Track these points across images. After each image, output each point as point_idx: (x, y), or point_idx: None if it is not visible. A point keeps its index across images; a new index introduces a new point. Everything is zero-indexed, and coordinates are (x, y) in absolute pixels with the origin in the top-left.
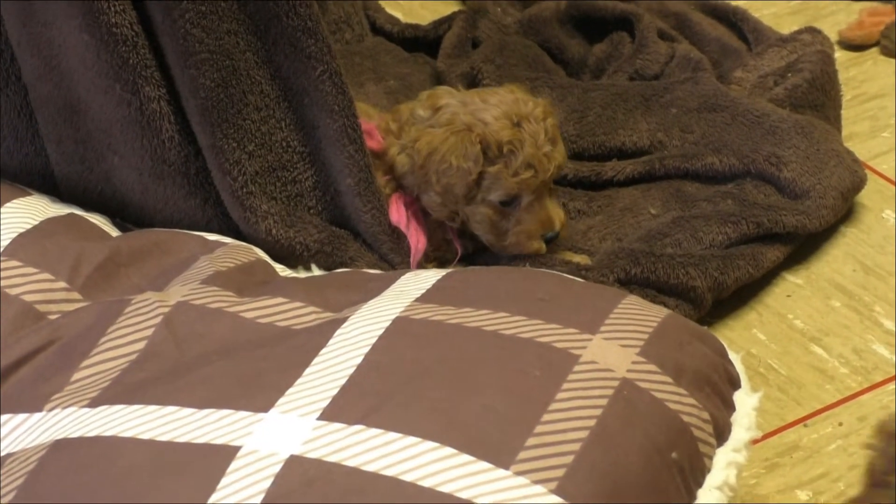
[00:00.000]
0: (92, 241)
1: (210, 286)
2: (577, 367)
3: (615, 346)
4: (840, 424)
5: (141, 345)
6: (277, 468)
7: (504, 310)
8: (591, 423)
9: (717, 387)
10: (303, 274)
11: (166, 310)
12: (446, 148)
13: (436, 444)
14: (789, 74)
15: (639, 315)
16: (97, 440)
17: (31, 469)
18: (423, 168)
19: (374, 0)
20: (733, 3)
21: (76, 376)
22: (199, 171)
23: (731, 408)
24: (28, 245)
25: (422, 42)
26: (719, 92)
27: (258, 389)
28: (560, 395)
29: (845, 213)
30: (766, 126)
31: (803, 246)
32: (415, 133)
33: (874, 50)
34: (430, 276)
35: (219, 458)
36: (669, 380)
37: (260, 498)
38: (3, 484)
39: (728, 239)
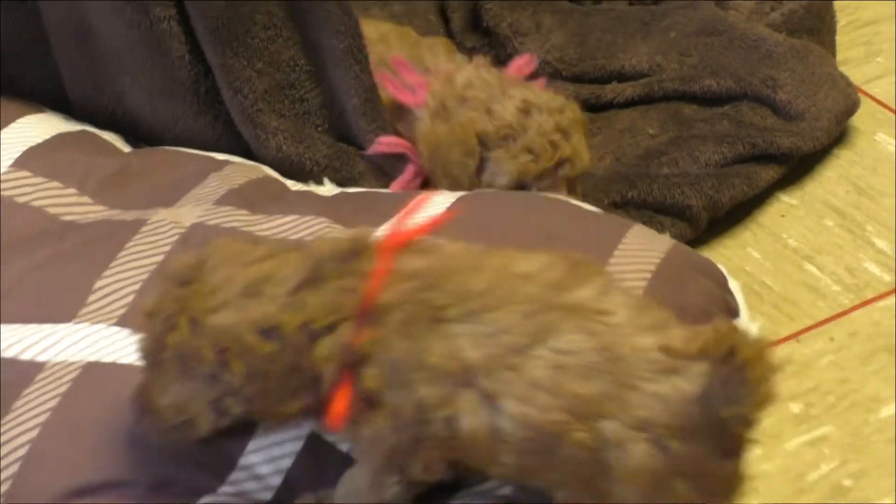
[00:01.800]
0: (103, 155)
1: (223, 206)
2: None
3: (618, 293)
4: (832, 340)
5: (159, 258)
6: None
7: (517, 235)
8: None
9: (716, 303)
10: (313, 187)
11: (182, 230)
12: (446, 143)
13: None
14: (785, 0)
15: (642, 252)
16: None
17: (63, 391)
18: (430, 161)
19: None
20: None
21: (98, 285)
22: (209, 91)
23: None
24: (38, 157)
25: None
26: (717, 17)
27: None
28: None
29: (839, 135)
30: (763, 50)
31: (797, 167)
32: (422, 128)
33: None
34: (443, 202)
35: None
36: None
37: None
38: (38, 402)
39: (724, 158)
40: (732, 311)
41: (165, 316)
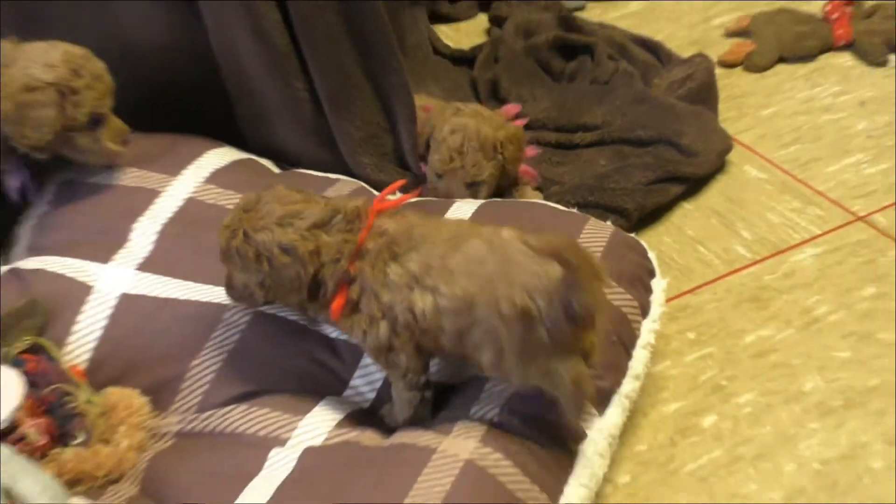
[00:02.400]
0: (260, 175)
1: None
2: None
3: None
4: (714, 294)
5: None
6: None
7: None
8: None
9: (642, 279)
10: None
11: None
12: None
13: None
14: (687, 82)
15: (595, 236)
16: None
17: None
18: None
19: (434, 32)
20: (654, 38)
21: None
22: (328, 135)
23: (649, 291)
24: (221, 175)
25: (464, 59)
26: (644, 92)
27: None
28: None
29: (720, 166)
30: (673, 113)
31: (694, 185)
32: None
33: (740, 68)
34: (470, 208)
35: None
36: (613, 283)
37: None
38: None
39: (648, 179)
40: (651, 273)
41: (232, 229)
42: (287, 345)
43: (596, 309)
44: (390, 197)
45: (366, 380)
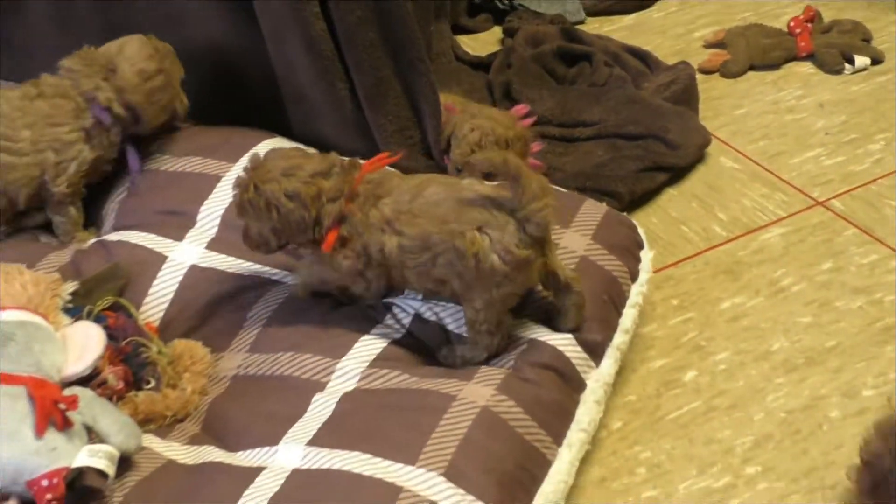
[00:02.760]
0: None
1: None
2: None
3: (578, 236)
4: (694, 266)
5: None
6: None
7: None
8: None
9: (632, 250)
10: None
11: None
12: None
13: None
14: (672, 85)
15: (591, 211)
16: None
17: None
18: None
19: (456, 41)
20: (644, 48)
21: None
22: (365, 128)
23: (638, 261)
24: None
25: (481, 65)
26: (635, 93)
27: None
28: None
29: (700, 157)
30: (660, 112)
31: (677, 174)
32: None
33: (717, 74)
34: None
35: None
36: (606, 252)
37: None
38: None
39: (638, 168)
40: (640, 245)
41: (244, 184)
42: (326, 301)
43: (547, 225)
44: None
45: (402, 310)
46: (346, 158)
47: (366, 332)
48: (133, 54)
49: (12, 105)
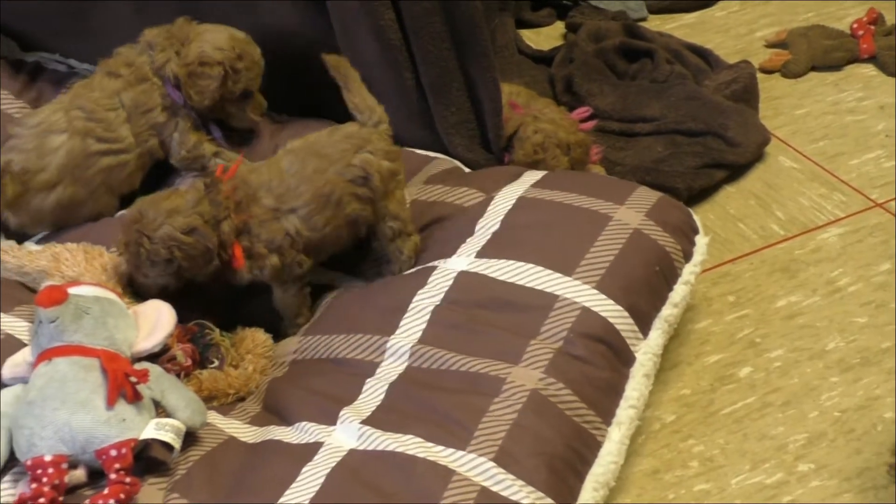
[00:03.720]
0: None
1: (428, 185)
2: (610, 224)
3: (632, 212)
4: (751, 264)
5: None
6: (453, 276)
7: (575, 191)
8: (616, 250)
9: (686, 232)
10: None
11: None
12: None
13: (534, 265)
14: (732, 84)
15: (645, 195)
16: None
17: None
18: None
19: (519, 35)
20: (705, 46)
21: None
22: (428, 119)
23: (693, 244)
24: None
25: (543, 59)
26: (696, 90)
27: (447, 247)
28: (599, 239)
29: (759, 156)
30: (720, 109)
31: (736, 171)
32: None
33: (777, 74)
34: (536, 174)
35: (423, 273)
36: (660, 229)
37: (441, 296)
38: None
39: (697, 165)
40: (695, 230)
41: (133, 240)
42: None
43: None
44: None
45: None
46: (205, 179)
47: (410, 300)
48: (208, 39)
49: (103, 106)
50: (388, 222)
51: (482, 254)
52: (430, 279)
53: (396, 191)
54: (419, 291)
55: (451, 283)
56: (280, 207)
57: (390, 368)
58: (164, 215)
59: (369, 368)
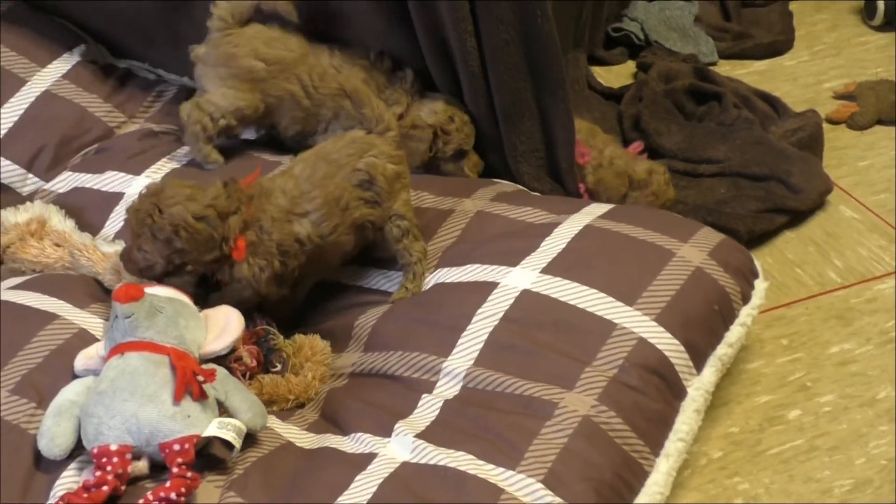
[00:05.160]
0: None
1: (494, 201)
2: (673, 259)
3: (695, 250)
4: (806, 309)
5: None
6: (515, 295)
7: (641, 226)
8: (678, 286)
9: (745, 275)
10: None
11: (472, 214)
12: (607, 181)
13: (597, 290)
14: (798, 132)
15: (709, 236)
16: None
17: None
18: (596, 186)
19: (591, 71)
20: (773, 94)
21: None
22: (497, 143)
23: (751, 287)
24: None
25: (612, 96)
26: (762, 135)
27: (512, 257)
28: (662, 273)
29: (821, 204)
30: (785, 155)
31: (796, 217)
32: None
33: (844, 125)
34: (604, 207)
35: (484, 289)
36: (721, 269)
37: (500, 315)
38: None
39: (758, 209)
40: (755, 274)
41: (145, 209)
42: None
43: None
44: None
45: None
46: (223, 180)
47: (469, 320)
48: (426, 104)
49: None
50: (394, 222)
51: (548, 270)
52: (491, 296)
53: (402, 192)
54: (478, 310)
55: (511, 301)
56: (293, 210)
57: (446, 388)
58: (182, 197)
59: (426, 386)
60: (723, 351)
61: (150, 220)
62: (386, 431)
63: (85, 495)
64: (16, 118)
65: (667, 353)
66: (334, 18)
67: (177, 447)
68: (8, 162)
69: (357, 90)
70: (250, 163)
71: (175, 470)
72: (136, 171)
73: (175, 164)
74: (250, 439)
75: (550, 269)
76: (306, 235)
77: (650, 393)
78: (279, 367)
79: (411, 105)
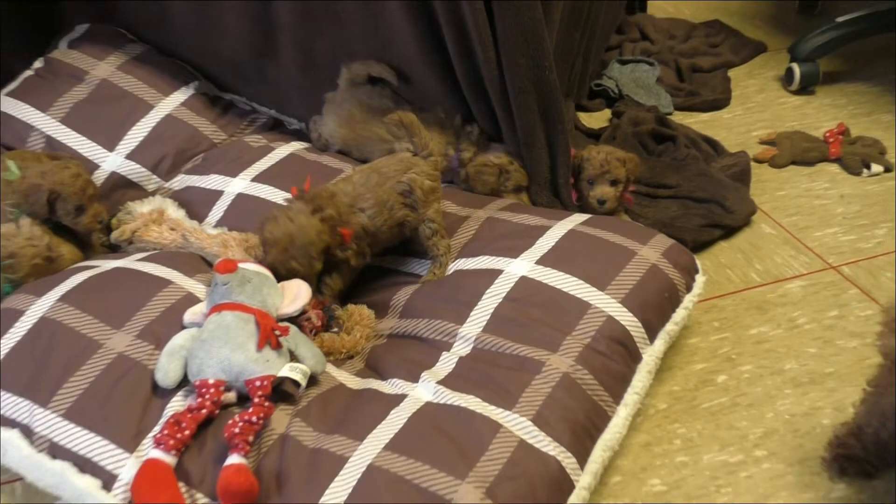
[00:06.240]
0: None
1: (503, 211)
2: (635, 257)
3: (652, 251)
4: (733, 301)
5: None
6: (514, 280)
7: (611, 231)
8: (638, 277)
9: (689, 271)
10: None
11: (482, 220)
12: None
13: (577, 278)
14: (733, 167)
15: (663, 240)
16: None
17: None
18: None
19: (576, 115)
20: (714, 138)
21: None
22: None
23: (693, 280)
24: None
25: (592, 135)
26: (706, 169)
27: (513, 252)
28: (626, 267)
29: (748, 222)
30: (722, 185)
31: (729, 232)
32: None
33: (766, 164)
34: (584, 216)
35: (492, 275)
36: (671, 266)
37: (503, 295)
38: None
39: (701, 224)
40: (696, 270)
41: (282, 239)
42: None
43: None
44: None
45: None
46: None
47: (479, 298)
48: (493, 148)
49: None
50: (427, 224)
51: (541, 262)
52: (497, 281)
53: (434, 202)
54: (486, 291)
55: (512, 285)
56: (354, 205)
57: (460, 348)
58: (309, 231)
59: (445, 346)
60: (670, 328)
61: (287, 245)
62: (414, 379)
63: (189, 415)
64: (145, 133)
65: (628, 328)
66: (415, 85)
67: (258, 383)
68: (138, 166)
69: (412, 123)
70: (320, 169)
71: (256, 400)
72: (233, 174)
73: (262, 169)
74: (312, 380)
75: (542, 261)
76: (364, 225)
77: (614, 357)
78: (336, 329)
79: (477, 152)
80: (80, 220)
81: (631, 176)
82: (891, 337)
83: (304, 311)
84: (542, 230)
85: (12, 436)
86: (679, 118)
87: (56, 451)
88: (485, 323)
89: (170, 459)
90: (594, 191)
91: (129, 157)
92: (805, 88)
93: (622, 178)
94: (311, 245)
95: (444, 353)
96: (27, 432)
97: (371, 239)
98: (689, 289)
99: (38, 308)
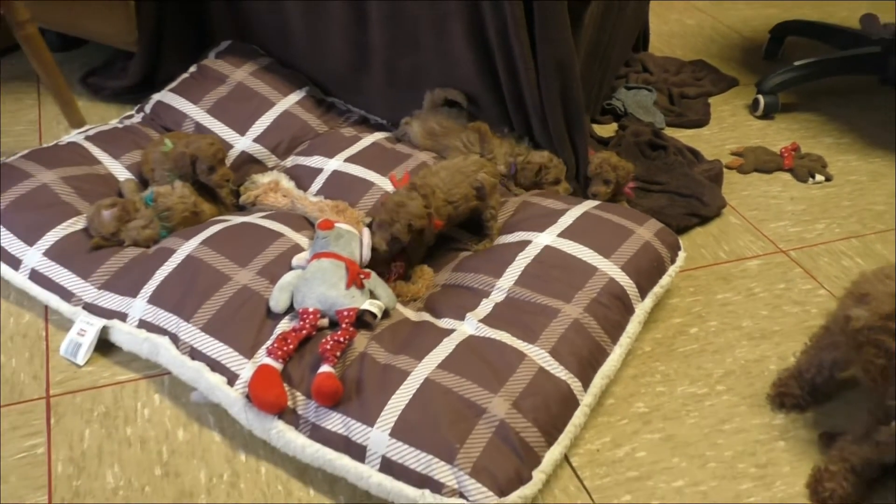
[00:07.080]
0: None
1: (534, 196)
2: (633, 235)
3: (646, 231)
4: (705, 273)
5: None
6: (541, 247)
7: (616, 215)
8: (635, 250)
9: (673, 248)
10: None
11: (519, 202)
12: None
13: (588, 248)
14: (710, 171)
15: (655, 223)
16: None
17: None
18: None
19: (591, 126)
20: (696, 148)
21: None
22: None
23: (676, 255)
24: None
25: (603, 142)
26: (689, 172)
27: (541, 227)
28: (626, 242)
29: (719, 214)
30: (701, 184)
31: (704, 221)
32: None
33: (734, 170)
34: (595, 202)
35: (524, 244)
36: (660, 243)
37: (532, 257)
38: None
39: (683, 213)
40: (679, 248)
41: (389, 218)
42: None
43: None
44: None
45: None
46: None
47: (513, 259)
48: (537, 152)
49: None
50: (488, 210)
51: (562, 235)
52: (527, 248)
53: (495, 194)
54: (519, 255)
55: (538, 251)
56: (448, 199)
57: (497, 296)
58: (414, 210)
59: (485, 295)
60: (657, 290)
61: (396, 223)
62: (461, 317)
63: (293, 334)
64: (268, 124)
65: (625, 287)
66: (478, 105)
67: (345, 313)
68: (261, 147)
69: (486, 132)
70: (395, 154)
71: (343, 325)
72: (330, 156)
73: (352, 153)
74: (385, 314)
75: (563, 234)
76: (450, 214)
77: (613, 309)
78: (406, 280)
79: (527, 154)
80: (212, 177)
81: (622, 180)
82: (844, 307)
83: (393, 260)
84: (563, 212)
85: (164, 341)
86: (670, 132)
87: (195, 354)
88: (516, 278)
89: (277, 365)
90: (590, 188)
91: (256, 140)
92: (767, 115)
93: (613, 179)
94: (413, 218)
95: (484, 299)
96: (174, 339)
97: (450, 223)
98: (672, 261)
99: (186, 248)
